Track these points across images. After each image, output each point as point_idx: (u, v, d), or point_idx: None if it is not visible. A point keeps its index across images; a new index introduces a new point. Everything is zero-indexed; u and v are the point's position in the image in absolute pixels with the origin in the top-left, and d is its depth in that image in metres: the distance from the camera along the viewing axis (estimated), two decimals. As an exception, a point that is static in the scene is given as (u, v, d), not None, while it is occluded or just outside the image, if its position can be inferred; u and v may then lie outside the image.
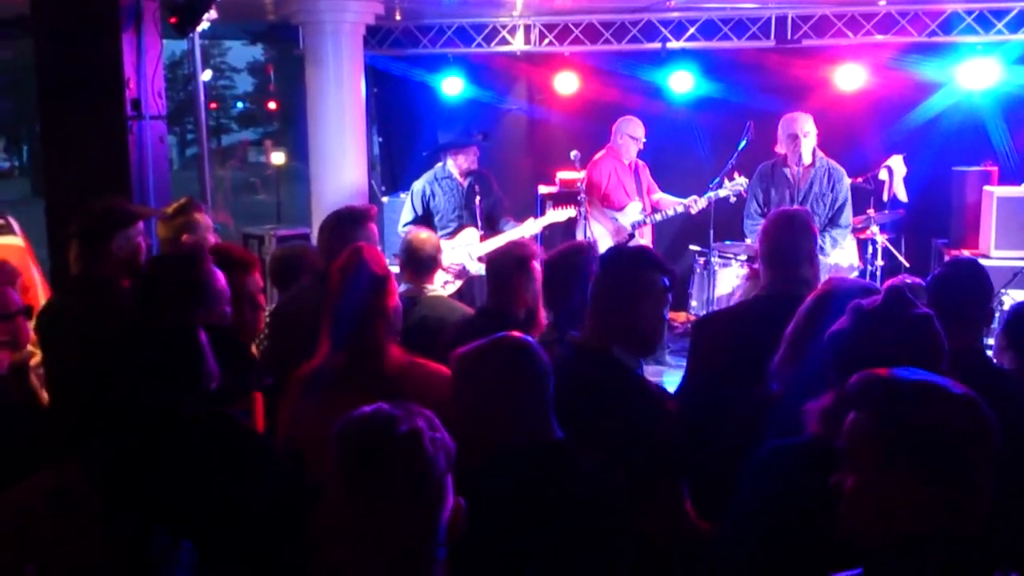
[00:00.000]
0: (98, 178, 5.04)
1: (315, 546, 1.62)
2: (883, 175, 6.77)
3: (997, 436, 1.55)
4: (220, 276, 2.86)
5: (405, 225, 6.46)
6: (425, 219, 6.35)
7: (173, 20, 5.33)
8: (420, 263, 4.10)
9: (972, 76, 7.42)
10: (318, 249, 4.35)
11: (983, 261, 6.57)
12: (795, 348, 2.37)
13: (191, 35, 5.44)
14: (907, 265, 6.79)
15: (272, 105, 35.50)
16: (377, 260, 2.90)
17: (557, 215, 6.63)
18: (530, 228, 6.50)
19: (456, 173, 6.44)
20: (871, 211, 6.67)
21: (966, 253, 6.85)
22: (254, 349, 3.53)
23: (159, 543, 1.85)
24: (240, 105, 40.97)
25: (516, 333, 2.29)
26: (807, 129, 6.06)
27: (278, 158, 15.57)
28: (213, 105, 36.72)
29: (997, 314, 4.83)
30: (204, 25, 5.36)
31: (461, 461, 1.68)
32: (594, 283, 2.75)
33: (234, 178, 27.25)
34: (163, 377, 2.10)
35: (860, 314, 2.02)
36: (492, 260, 3.78)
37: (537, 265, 3.57)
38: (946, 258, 6.48)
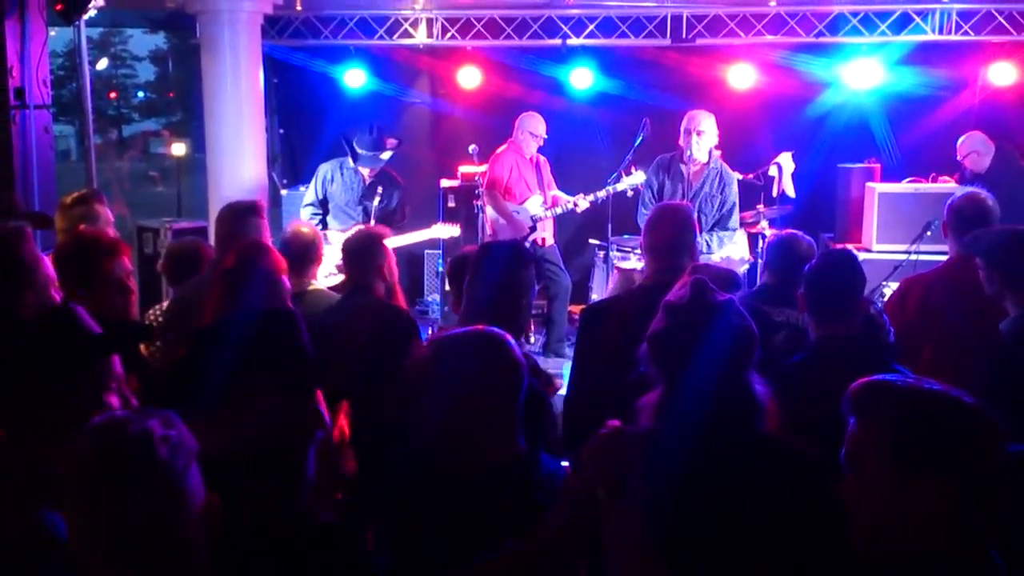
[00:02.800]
0: (-21, 169, 4.90)
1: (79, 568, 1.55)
2: (773, 171, 7.00)
3: (1005, 443, 1.57)
4: (46, 260, 2.79)
5: (306, 206, 6.49)
6: (323, 203, 6.37)
7: (59, 7, 5.19)
8: (299, 257, 4.10)
9: (857, 76, 7.73)
10: (216, 242, 4.32)
11: (865, 255, 6.91)
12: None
13: (78, 22, 5.31)
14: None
15: (173, 95, 34.60)
16: (270, 257, 2.94)
17: (441, 231, 6.88)
18: (415, 237, 6.72)
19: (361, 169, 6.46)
20: (761, 206, 6.89)
21: (849, 247, 7.13)
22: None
23: None
24: (141, 94, 39.77)
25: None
26: (703, 127, 6.25)
27: (178, 149, 15.19)
28: (113, 94, 35.59)
29: (880, 304, 5.08)
30: (91, 12, 5.24)
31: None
32: (471, 279, 2.84)
33: (134, 169, 26.49)
34: None
35: (670, 309, 2.11)
36: (346, 243, 3.95)
37: (388, 244, 3.85)
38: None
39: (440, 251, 7.57)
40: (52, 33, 5.77)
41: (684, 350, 2.01)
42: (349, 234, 6.13)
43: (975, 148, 6.93)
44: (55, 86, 5.84)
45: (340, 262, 6.06)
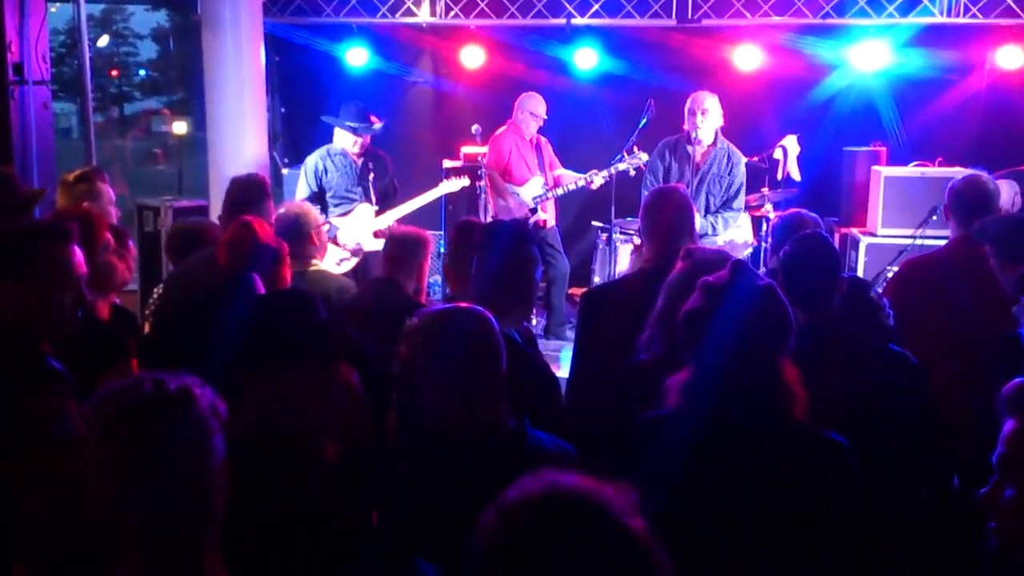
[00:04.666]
0: (-23, 144, 4.86)
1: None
2: (778, 154, 6.94)
3: None
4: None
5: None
6: (320, 196, 6.27)
7: (57, -18, 5.14)
8: (291, 235, 4.09)
9: (864, 58, 7.66)
10: (222, 218, 4.31)
11: (870, 239, 6.88)
12: (661, 320, 2.44)
13: (76, -2, 5.26)
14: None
15: (174, 73, 34.45)
16: (267, 232, 2.91)
17: (450, 185, 6.63)
18: (426, 198, 6.49)
19: (348, 150, 6.34)
20: (765, 189, 6.84)
21: (854, 231, 7.10)
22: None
23: None
24: (143, 73, 39.60)
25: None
26: (707, 107, 6.20)
27: (180, 127, 15.14)
28: (115, 72, 35.43)
29: (880, 288, 5.05)
30: (91, -13, 5.18)
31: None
32: (478, 257, 2.82)
33: (135, 148, 26.41)
34: None
35: (708, 290, 2.08)
36: (394, 236, 3.97)
37: (402, 211, 3.99)
38: (836, 236, 6.71)
39: (442, 232, 7.51)
40: (53, 9, 5.73)
41: (717, 330, 1.98)
42: (353, 216, 6.18)
43: None
44: (56, 63, 5.80)
45: (352, 246, 6.10)
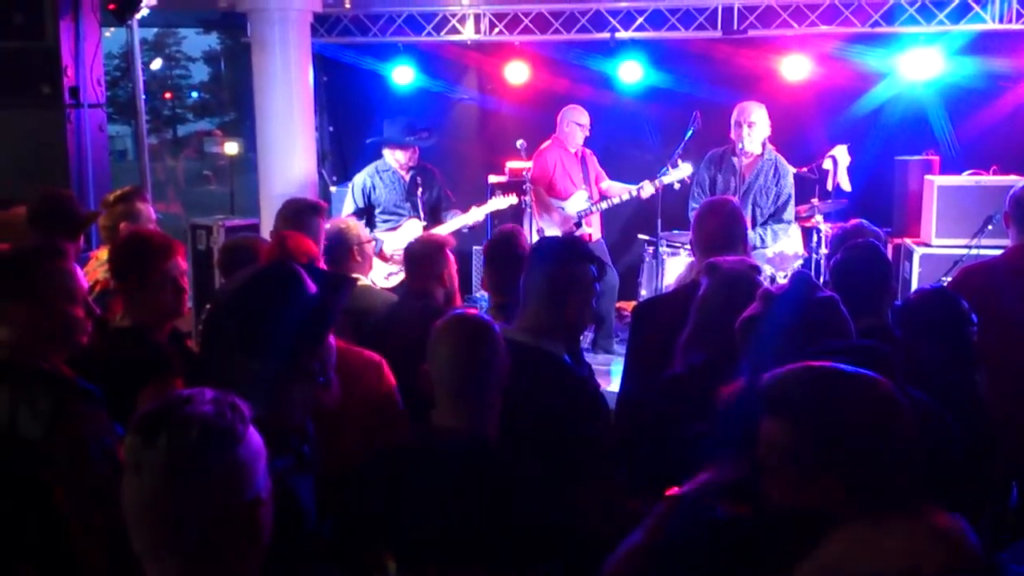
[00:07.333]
0: (37, 167, 4.99)
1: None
2: (827, 164, 6.85)
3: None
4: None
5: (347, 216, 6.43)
6: (367, 212, 6.33)
7: (112, 7, 5.27)
8: (333, 249, 4.14)
9: (914, 66, 7.53)
10: (272, 236, 4.36)
11: (924, 249, 6.75)
12: (695, 334, 2.42)
13: (130, 22, 5.39)
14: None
15: (226, 95, 35.05)
16: (303, 246, 2.94)
17: (499, 202, 6.62)
18: (474, 216, 6.50)
19: (396, 167, 6.40)
20: (815, 200, 6.75)
21: (908, 242, 6.97)
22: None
23: None
24: (195, 95, 40.36)
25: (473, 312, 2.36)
26: (754, 119, 6.15)
27: (231, 148, 15.35)
28: (168, 95, 36.14)
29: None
30: (143, 12, 5.31)
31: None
32: (525, 276, 2.79)
33: (188, 168, 26.88)
34: None
35: (769, 300, 2.06)
36: (410, 247, 4.01)
37: (450, 252, 3.88)
38: (889, 247, 6.60)
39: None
40: (107, 34, 5.86)
41: (775, 340, 1.97)
42: (402, 231, 6.23)
43: None
44: (111, 87, 5.93)
45: (400, 260, 6.14)
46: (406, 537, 1.87)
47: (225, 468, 1.44)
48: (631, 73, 8.03)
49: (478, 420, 2.20)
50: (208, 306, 4.23)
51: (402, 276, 6.18)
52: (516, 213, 6.81)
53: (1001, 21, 7.34)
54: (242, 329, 2.04)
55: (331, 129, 9.24)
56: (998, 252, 4.27)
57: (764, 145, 6.16)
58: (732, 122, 6.17)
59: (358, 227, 4.43)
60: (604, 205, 6.98)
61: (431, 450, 2.03)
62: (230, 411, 1.48)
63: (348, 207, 6.39)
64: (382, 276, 5.93)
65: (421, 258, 3.87)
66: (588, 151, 7.17)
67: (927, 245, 6.78)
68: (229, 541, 1.46)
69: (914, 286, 6.62)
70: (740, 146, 6.08)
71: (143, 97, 5.89)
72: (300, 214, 4.23)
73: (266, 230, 5.94)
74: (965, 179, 6.86)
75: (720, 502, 1.78)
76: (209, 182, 24.43)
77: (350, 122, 9.10)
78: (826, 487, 1.59)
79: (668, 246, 6.84)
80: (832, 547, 1.60)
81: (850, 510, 1.59)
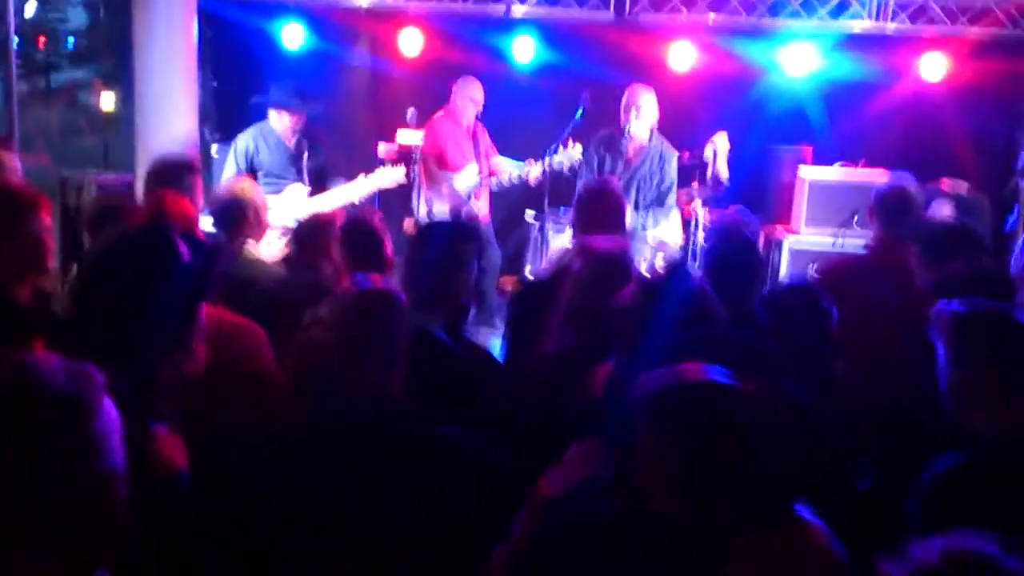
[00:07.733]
0: None
1: None
2: (708, 153, 7.03)
3: None
4: None
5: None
6: (250, 176, 6.16)
7: (-20, -56, 4.96)
8: (224, 216, 4.04)
9: (795, 60, 7.81)
10: (144, 196, 4.22)
11: (794, 238, 7.03)
12: (569, 314, 2.49)
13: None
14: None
15: (103, 43, 33.41)
16: (180, 208, 2.86)
17: (385, 177, 6.45)
18: (359, 186, 6.34)
19: (282, 130, 6.25)
20: (695, 184, 6.93)
21: (779, 229, 7.25)
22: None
23: None
24: (71, 40, 38.39)
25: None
26: (641, 103, 6.26)
27: (108, 99, 14.65)
28: (42, 40, 34.28)
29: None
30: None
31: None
32: (406, 258, 2.82)
33: (61, 119, 25.56)
34: None
35: (644, 287, 2.13)
36: (301, 223, 4.10)
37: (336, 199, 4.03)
38: (761, 234, 6.83)
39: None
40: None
41: (648, 325, 2.03)
42: (284, 196, 6.08)
43: None
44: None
45: (282, 226, 6.00)
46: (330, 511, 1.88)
47: (77, 441, 1.37)
48: (525, 49, 8.06)
49: (383, 390, 2.21)
50: (75, 266, 4.09)
51: (282, 244, 6.09)
52: (406, 188, 6.75)
53: (878, 18, 7.64)
54: (111, 295, 1.98)
55: (215, 84, 8.92)
56: (862, 243, 4.49)
57: (652, 131, 6.29)
58: (622, 105, 6.27)
59: (255, 191, 4.30)
60: (494, 182, 7.00)
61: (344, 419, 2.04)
62: (83, 381, 1.41)
63: (230, 169, 6.20)
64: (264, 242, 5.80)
65: (309, 232, 3.92)
66: (480, 125, 7.18)
67: (796, 233, 7.07)
68: (85, 516, 1.40)
69: (782, 274, 6.90)
70: (627, 129, 6.19)
71: (15, 39, 5.56)
72: (175, 172, 4.08)
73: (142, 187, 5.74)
74: (835, 172, 7.17)
75: (594, 502, 1.83)
76: (83, 134, 23.30)
77: (235, 80, 8.82)
78: (701, 498, 1.64)
79: (554, 223, 6.92)
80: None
81: (727, 519, 1.65)
